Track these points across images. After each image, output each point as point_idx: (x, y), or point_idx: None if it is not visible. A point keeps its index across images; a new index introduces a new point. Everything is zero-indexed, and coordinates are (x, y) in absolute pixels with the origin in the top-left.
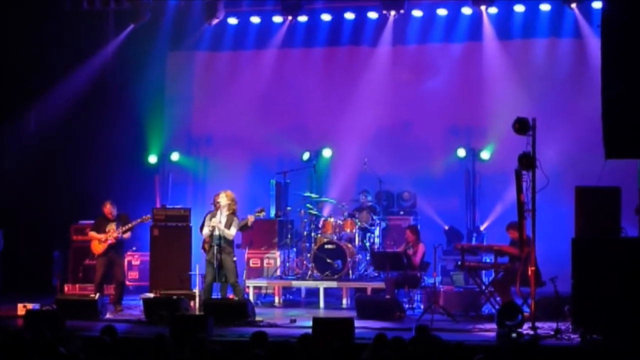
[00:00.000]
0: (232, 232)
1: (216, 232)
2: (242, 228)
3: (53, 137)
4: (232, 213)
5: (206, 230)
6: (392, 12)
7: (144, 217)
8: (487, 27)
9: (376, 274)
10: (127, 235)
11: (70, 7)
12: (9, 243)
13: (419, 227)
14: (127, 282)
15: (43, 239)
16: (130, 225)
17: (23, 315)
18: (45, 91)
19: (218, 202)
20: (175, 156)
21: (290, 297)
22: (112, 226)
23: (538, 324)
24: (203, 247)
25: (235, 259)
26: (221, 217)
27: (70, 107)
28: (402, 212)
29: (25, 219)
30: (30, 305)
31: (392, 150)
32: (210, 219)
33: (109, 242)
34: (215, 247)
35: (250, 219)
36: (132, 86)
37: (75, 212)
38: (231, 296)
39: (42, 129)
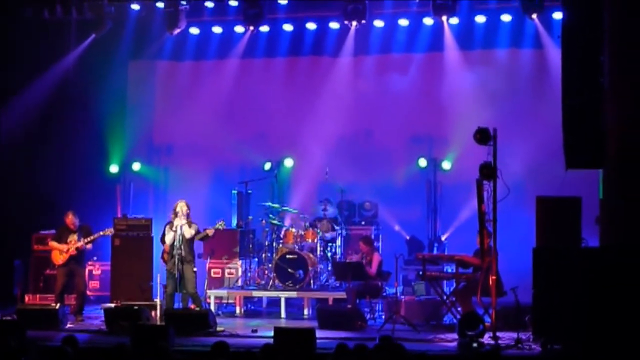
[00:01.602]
0: (192, 230)
1: (176, 242)
2: (203, 238)
3: (14, 146)
4: (190, 220)
5: (169, 238)
6: (354, 23)
7: (106, 229)
8: (449, 37)
9: (337, 284)
10: (89, 246)
11: (31, 16)
12: None
13: (374, 237)
14: (88, 292)
15: (3, 248)
16: (91, 237)
17: None
18: (6, 100)
19: (177, 211)
20: (136, 166)
21: (252, 307)
22: (73, 237)
23: (499, 334)
24: (162, 257)
25: (195, 269)
26: (181, 226)
27: (31, 116)
28: (363, 222)
29: None
30: None
31: (353, 160)
32: (171, 229)
33: (70, 253)
34: (176, 257)
35: (210, 232)
36: (93, 95)
37: (37, 222)
38: (192, 306)
39: (2, 138)
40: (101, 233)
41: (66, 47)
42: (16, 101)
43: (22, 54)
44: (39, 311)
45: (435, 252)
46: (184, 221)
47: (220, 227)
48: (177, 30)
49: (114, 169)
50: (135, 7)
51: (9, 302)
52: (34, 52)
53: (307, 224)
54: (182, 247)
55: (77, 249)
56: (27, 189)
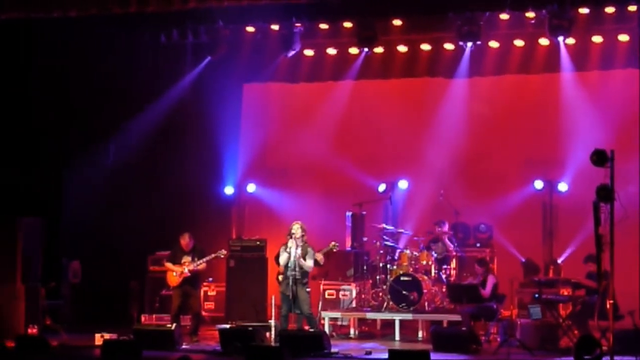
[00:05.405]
0: (310, 263)
1: (290, 264)
2: (314, 264)
3: (131, 168)
4: (306, 243)
5: (283, 259)
6: (469, 44)
7: (219, 252)
8: (564, 58)
9: (452, 306)
10: (203, 266)
11: (149, 41)
12: (87, 274)
13: (489, 260)
14: (204, 313)
15: (120, 270)
16: (204, 259)
17: (100, 345)
18: (124, 123)
19: (292, 233)
20: (251, 187)
21: (366, 328)
22: (187, 258)
23: (617, 358)
24: (277, 279)
25: (309, 289)
26: (296, 248)
27: (148, 138)
28: (478, 244)
29: (102, 250)
30: (107, 335)
31: (468, 181)
32: (285, 250)
33: (184, 275)
34: (290, 279)
35: (320, 259)
36: (208, 117)
37: (152, 243)
38: (307, 327)
39: (120, 160)
40: (213, 256)
41: (182, 71)
42: (133, 124)
43: (139, 77)
44: (155, 331)
45: (551, 274)
46: (300, 249)
47: (333, 248)
48: (291, 52)
49: (229, 190)
50: (250, 29)
51: (125, 322)
52: (151, 76)
53: (422, 245)
54: (296, 268)
55: (190, 271)
56: (144, 210)
